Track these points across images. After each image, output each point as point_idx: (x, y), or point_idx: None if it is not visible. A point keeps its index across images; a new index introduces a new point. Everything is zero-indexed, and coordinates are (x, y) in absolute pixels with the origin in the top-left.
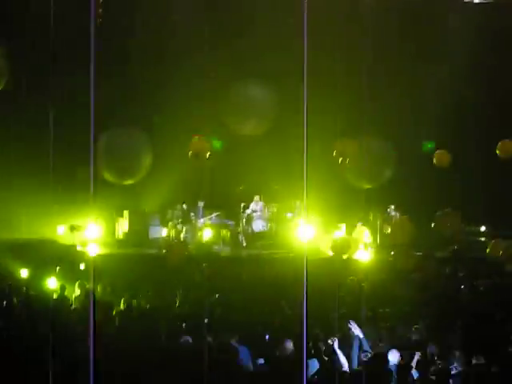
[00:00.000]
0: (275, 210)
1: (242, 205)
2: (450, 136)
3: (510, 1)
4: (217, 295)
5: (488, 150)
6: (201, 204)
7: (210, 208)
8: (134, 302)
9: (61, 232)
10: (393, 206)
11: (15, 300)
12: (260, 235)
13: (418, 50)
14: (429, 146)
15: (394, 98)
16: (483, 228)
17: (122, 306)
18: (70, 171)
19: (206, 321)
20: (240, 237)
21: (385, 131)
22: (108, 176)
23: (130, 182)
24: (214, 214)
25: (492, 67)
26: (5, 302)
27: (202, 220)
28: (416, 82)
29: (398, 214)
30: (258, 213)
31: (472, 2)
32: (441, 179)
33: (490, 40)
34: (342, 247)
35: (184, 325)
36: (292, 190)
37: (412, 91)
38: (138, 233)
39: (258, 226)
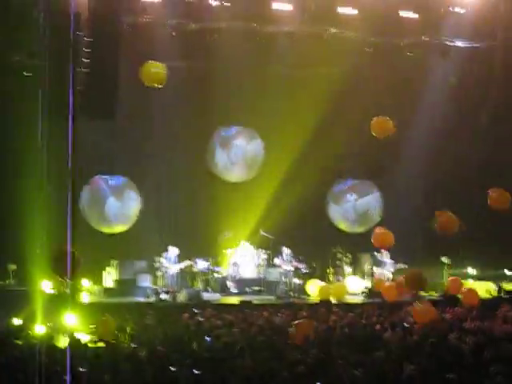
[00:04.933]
0: (264, 256)
1: (230, 250)
2: None
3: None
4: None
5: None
6: (172, 250)
7: (200, 254)
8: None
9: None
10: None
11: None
12: (249, 281)
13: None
14: None
15: None
16: (470, 269)
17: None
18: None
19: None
20: (228, 283)
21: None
22: (96, 225)
23: (119, 230)
24: (186, 262)
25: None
26: None
27: (175, 266)
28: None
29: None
30: (247, 259)
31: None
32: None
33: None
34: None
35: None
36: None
37: None
38: (126, 281)
39: (246, 271)
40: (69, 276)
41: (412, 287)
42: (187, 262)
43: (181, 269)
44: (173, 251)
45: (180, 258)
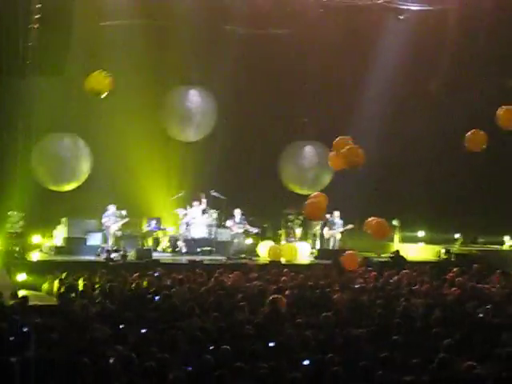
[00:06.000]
0: (215, 216)
1: (181, 211)
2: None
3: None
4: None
5: (424, 154)
6: (112, 208)
7: (152, 214)
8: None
9: None
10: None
11: None
12: (200, 242)
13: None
14: None
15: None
16: (420, 233)
17: None
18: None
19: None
20: (179, 243)
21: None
22: (47, 183)
23: (68, 188)
24: (124, 220)
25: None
26: None
27: (115, 225)
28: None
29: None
30: (198, 219)
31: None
32: (379, 184)
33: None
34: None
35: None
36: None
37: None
38: (76, 239)
39: (197, 232)
40: None
41: None
42: (126, 220)
43: (120, 226)
44: (112, 209)
45: (126, 217)
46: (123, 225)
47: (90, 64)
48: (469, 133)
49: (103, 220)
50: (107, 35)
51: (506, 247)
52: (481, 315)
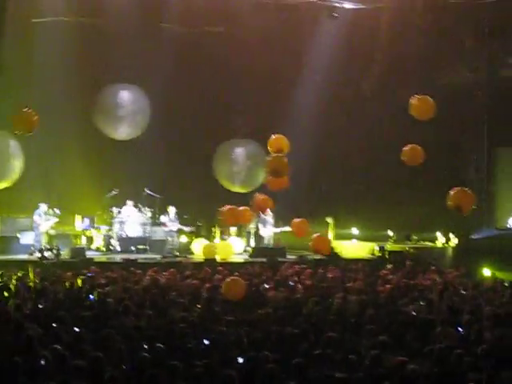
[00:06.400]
0: (149, 214)
1: (116, 209)
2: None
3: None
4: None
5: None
6: (43, 206)
7: (86, 212)
8: None
9: None
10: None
11: None
12: (134, 240)
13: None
14: None
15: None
16: (354, 230)
17: None
18: None
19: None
20: (113, 241)
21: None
22: None
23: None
24: (53, 220)
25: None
26: None
27: (46, 223)
28: None
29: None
30: (132, 217)
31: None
32: (312, 183)
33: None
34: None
35: None
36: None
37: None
38: (9, 238)
39: (131, 230)
40: None
41: None
42: (55, 219)
43: (52, 225)
44: (43, 208)
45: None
46: (56, 223)
47: (22, 62)
48: (406, 148)
49: (34, 218)
50: (40, 33)
51: (438, 244)
52: (413, 312)
